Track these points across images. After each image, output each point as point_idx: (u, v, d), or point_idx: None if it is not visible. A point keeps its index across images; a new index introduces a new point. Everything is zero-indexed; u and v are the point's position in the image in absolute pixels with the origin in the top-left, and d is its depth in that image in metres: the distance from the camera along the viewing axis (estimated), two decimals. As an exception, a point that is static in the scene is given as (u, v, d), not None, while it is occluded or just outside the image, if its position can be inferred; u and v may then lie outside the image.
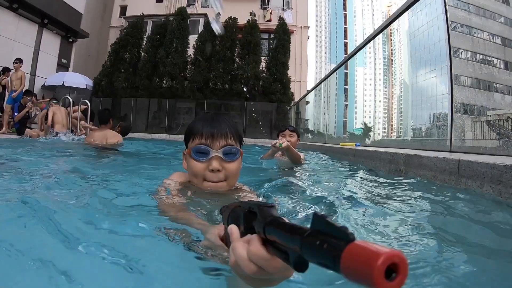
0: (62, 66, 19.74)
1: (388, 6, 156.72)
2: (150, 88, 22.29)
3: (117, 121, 10.60)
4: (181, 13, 23.43)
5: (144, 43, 23.88)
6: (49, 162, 4.49)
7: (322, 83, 13.19)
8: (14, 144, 7.89)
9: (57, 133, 10.00)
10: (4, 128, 11.37)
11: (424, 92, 36.19)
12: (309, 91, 16.59)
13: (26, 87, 17.11)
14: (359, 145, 6.77)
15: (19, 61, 11.60)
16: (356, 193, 2.52)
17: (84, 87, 17.89)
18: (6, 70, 12.59)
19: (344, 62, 10.36)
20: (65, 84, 16.95)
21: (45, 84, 17.57)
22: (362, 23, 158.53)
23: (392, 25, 6.05)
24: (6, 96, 11.98)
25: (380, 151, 4.51)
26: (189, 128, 1.66)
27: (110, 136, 6.75)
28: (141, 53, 23.58)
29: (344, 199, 2.24)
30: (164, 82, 22.49)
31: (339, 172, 4.69)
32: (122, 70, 22.98)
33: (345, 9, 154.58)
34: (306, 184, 2.82)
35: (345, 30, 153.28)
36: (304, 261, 0.50)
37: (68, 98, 11.16)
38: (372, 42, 7.15)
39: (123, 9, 29.27)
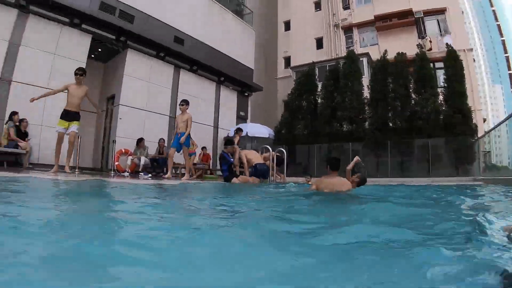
0: (241, 118, 20.87)
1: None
2: (331, 133, 22.09)
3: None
4: (350, 56, 23.24)
5: (319, 90, 24.09)
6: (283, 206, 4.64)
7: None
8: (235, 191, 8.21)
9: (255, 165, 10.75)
10: (168, 173, 11.37)
11: None
12: (498, 124, 14.74)
13: (210, 138, 18.58)
14: None
15: (185, 103, 11.35)
16: None
17: (267, 136, 18.53)
18: (239, 130, 13.53)
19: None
20: (248, 134, 17.71)
21: (229, 135, 18.64)
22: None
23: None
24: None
25: None
26: None
27: (340, 184, 6.53)
28: (317, 99, 23.86)
29: None
30: (344, 125, 22.13)
31: None
32: (300, 118, 23.43)
33: (496, 19, 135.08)
34: None
35: (503, 42, 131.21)
36: None
37: (267, 147, 11.75)
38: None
39: (287, 60, 30.89)
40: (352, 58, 22.91)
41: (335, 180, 6.65)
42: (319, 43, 30.42)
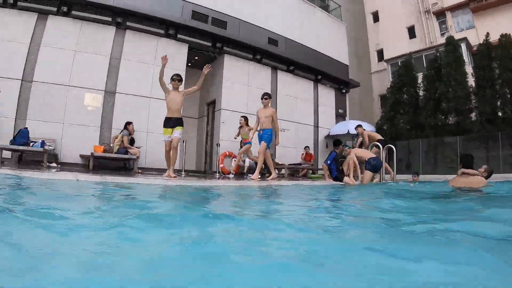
0: (340, 116, 20.30)
1: None
2: (436, 126, 20.65)
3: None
4: (450, 42, 21.58)
5: (419, 81, 22.76)
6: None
7: None
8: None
9: (368, 160, 10.29)
10: (273, 174, 10.40)
11: None
12: None
13: (311, 138, 18.26)
14: None
15: (268, 96, 10.23)
16: None
17: (369, 133, 17.95)
18: (359, 126, 13.23)
19: None
20: (350, 132, 17.18)
21: (330, 134, 18.24)
22: None
23: None
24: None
25: None
26: None
27: (476, 182, 6.35)
28: (418, 91, 22.59)
29: None
30: (450, 118, 20.53)
31: None
32: (402, 112, 22.25)
33: None
34: None
35: None
36: None
37: (377, 144, 11.38)
38: None
39: (380, 53, 29.83)
40: (452, 45, 21.28)
41: (471, 177, 6.44)
42: (411, 32, 28.78)
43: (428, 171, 19.08)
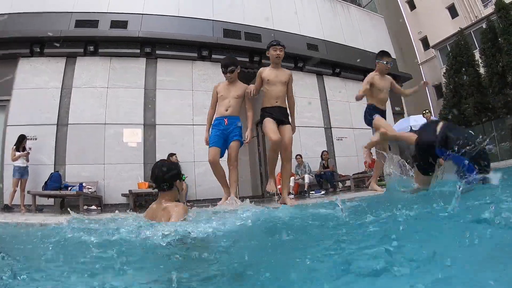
0: (397, 114, 18.67)
1: None
2: (507, 103, 18.57)
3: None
4: (503, 6, 19.75)
5: (476, 59, 21.05)
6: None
7: None
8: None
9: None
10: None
11: None
12: None
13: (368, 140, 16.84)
14: None
15: (236, 63, 6.37)
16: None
17: (445, 127, 16.56)
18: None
19: None
20: (413, 128, 15.91)
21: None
22: None
23: None
24: None
25: None
26: None
27: None
28: (478, 70, 20.84)
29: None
30: None
31: None
32: (465, 96, 20.34)
33: None
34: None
35: None
36: None
37: None
38: None
39: (424, 41, 28.75)
40: (504, 9, 19.66)
41: None
42: (452, 11, 27.24)
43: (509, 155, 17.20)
